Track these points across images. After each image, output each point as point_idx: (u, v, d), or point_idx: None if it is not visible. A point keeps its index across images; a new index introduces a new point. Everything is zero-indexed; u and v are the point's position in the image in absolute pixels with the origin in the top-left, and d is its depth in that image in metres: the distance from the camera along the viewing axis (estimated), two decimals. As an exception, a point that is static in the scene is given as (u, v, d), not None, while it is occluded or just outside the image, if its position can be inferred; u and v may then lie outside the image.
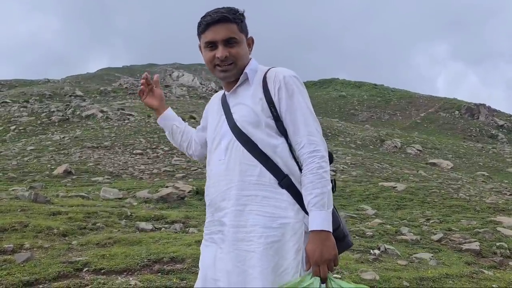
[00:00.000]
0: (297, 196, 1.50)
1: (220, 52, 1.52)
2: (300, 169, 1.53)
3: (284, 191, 1.50)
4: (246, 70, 1.59)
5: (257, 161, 1.50)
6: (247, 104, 1.55)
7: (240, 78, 1.58)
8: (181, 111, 23.98)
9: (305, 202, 1.48)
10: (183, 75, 50.53)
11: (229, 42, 1.53)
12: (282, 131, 1.54)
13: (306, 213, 1.49)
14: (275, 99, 1.54)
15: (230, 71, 1.55)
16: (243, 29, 1.57)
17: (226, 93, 1.64)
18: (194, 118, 21.16)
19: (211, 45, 1.55)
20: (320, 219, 1.44)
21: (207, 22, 1.53)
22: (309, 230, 1.45)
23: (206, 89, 45.75)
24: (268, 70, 1.60)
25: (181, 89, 39.89)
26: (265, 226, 1.46)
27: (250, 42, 1.62)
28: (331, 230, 1.45)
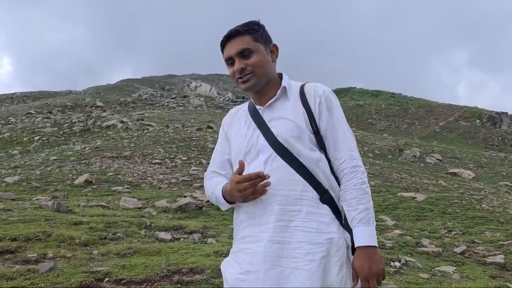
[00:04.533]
0: (336, 212, 1.51)
1: (236, 65, 1.55)
2: (339, 185, 1.53)
3: (326, 206, 1.49)
4: (284, 84, 1.60)
5: (300, 176, 1.49)
6: (289, 118, 1.54)
7: (278, 92, 1.59)
8: (199, 121, 24.19)
9: (349, 218, 1.49)
10: (200, 85, 51.06)
11: (243, 54, 1.54)
12: (322, 145, 1.54)
13: (345, 229, 1.50)
14: (315, 113, 1.54)
15: (250, 81, 1.55)
16: (259, 38, 1.57)
17: (258, 107, 1.62)
18: (212, 128, 21.32)
19: (230, 61, 1.58)
20: (367, 235, 1.46)
21: (222, 41, 1.58)
22: (356, 245, 1.46)
23: (223, 99, 46.08)
24: (304, 85, 1.61)
25: (199, 99, 40.26)
26: (311, 242, 1.44)
27: (274, 49, 1.62)
28: (377, 245, 1.47)
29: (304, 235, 1.45)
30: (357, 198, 1.48)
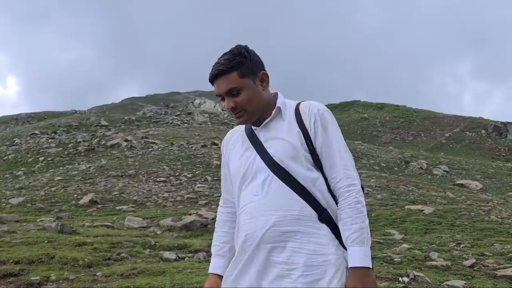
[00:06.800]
0: (335, 231, 1.49)
1: (226, 104, 1.57)
2: (336, 203, 1.52)
3: (324, 225, 1.48)
4: (279, 104, 1.59)
5: (298, 196, 1.48)
6: (284, 138, 1.54)
7: (273, 112, 1.59)
8: (204, 138, 24.23)
9: (344, 238, 1.47)
10: (204, 102, 51.33)
11: (231, 93, 1.54)
12: (318, 164, 1.53)
13: (345, 248, 1.48)
14: (310, 132, 1.54)
15: (243, 117, 1.57)
16: (246, 72, 1.53)
17: (254, 128, 1.62)
18: (216, 144, 21.34)
19: (221, 97, 1.60)
20: (361, 255, 1.44)
21: (210, 78, 1.59)
22: (349, 266, 1.44)
23: (228, 115, 46.26)
24: (299, 104, 1.61)
25: (203, 116, 40.44)
26: (306, 265, 1.43)
27: (264, 77, 1.59)
28: (371, 266, 1.44)
29: (300, 256, 1.44)
30: (351, 217, 1.46)
